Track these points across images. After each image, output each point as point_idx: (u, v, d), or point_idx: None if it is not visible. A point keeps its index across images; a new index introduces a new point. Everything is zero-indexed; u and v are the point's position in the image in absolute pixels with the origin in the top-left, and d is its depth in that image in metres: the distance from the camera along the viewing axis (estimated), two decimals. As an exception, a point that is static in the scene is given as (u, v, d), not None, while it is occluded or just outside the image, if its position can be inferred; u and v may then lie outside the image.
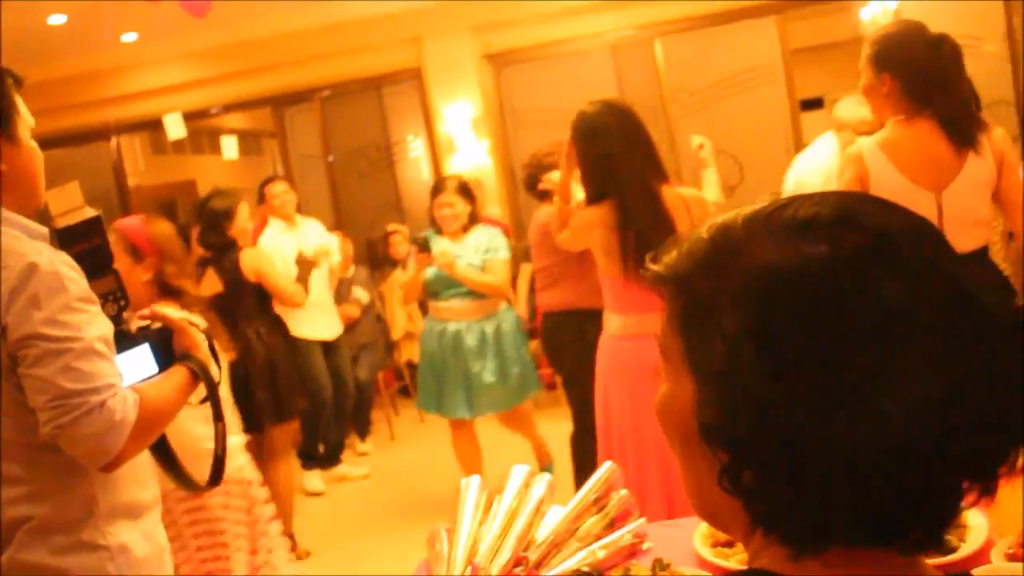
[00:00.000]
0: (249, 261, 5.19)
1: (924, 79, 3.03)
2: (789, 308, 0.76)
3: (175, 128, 8.24)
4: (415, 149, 9.90)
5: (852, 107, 4.71)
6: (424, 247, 5.08)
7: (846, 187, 3.10)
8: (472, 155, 8.91)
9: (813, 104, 9.95)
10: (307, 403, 5.88)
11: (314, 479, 6.53)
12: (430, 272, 5.16)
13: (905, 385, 0.73)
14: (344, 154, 9.85)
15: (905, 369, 0.74)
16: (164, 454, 2.15)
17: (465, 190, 5.22)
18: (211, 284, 5.11)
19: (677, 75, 9.20)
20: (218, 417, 2.11)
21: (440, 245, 5.09)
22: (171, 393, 2.01)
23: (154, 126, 8.90)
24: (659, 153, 3.59)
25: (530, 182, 5.00)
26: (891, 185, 3.00)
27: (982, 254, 3.11)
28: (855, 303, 0.74)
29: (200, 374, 2.07)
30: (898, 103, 3.08)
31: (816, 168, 4.84)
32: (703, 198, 3.64)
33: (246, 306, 5.18)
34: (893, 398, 0.73)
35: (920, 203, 2.96)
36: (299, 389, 5.58)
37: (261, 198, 6.42)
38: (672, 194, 3.51)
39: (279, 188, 6.40)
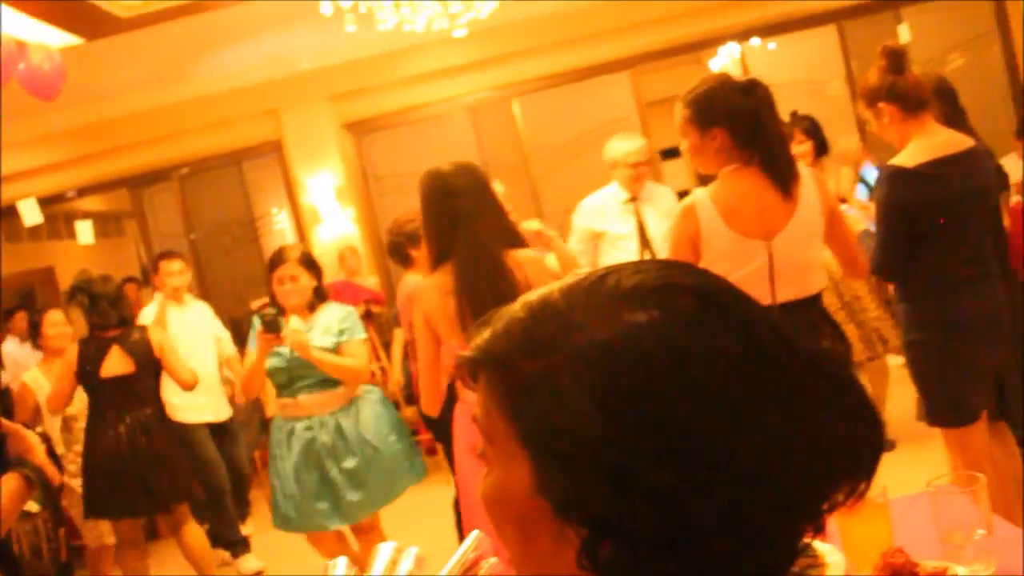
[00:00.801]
0: (156, 339, 5.15)
1: (747, 126, 3.06)
2: (633, 374, 0.75)
3: (30, 214, 7.95)
4: (280, 222, 9.78)
5: (613, 145, 4.90)
6: (271, 326, 4.19)
7: (677, 239, 3.12)
8: (338, 225, 8.84)
9: (671, 153, 10.20)
10: (203, 489, 5.77)
11: (249, 560, 6.29)
12: (275, 359, 4.30)
13: (756, 433, 0.74)
14: (207, 231, 9.67)
15: (753, 417, 0.75)
16: (6, 559, 2.03)
17: (309, 262, 4.42)
18: (118, 364, 5.06)
19: (537, 133, 9.33)
20: (58, 522, 2.00)
21: (293, 323, 4.27)
22: (3, 501, 1.90)
23: (8, 213, 8.60)
24: (507, 216, 3.47)
25: (393, 249, 4.92)
26: (722, 238, 3.03)
27: (815, 300, 3.17)
28: (696, 360, 0.76)
29: (35, 480, 1.96)
30: (728, 155, 3.10)
31: (595, 207, 4.99)
32: (540, 260, 3.50)
33: (150, 386, 5.14)
34: (747, 448, 0.74)
35: (752, 253, 3.02)
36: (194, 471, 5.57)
37: (153, 271, 6.24)
38: (521, 258, 3.36)
39: (176, 266, 6.21)
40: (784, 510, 0.77)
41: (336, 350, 4.29)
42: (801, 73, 9.74)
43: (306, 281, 4.36)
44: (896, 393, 5.36)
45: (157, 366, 5.16)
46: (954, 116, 3.68)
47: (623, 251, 4.93)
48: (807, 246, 3.08)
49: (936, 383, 3.38)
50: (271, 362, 4.30)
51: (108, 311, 5.14)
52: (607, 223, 4.96)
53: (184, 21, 6.56)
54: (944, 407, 3.39)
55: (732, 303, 0.82)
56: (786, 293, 3.03)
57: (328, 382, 4.33)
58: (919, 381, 3.43)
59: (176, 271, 6.21)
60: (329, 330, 4.33)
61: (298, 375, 4.32)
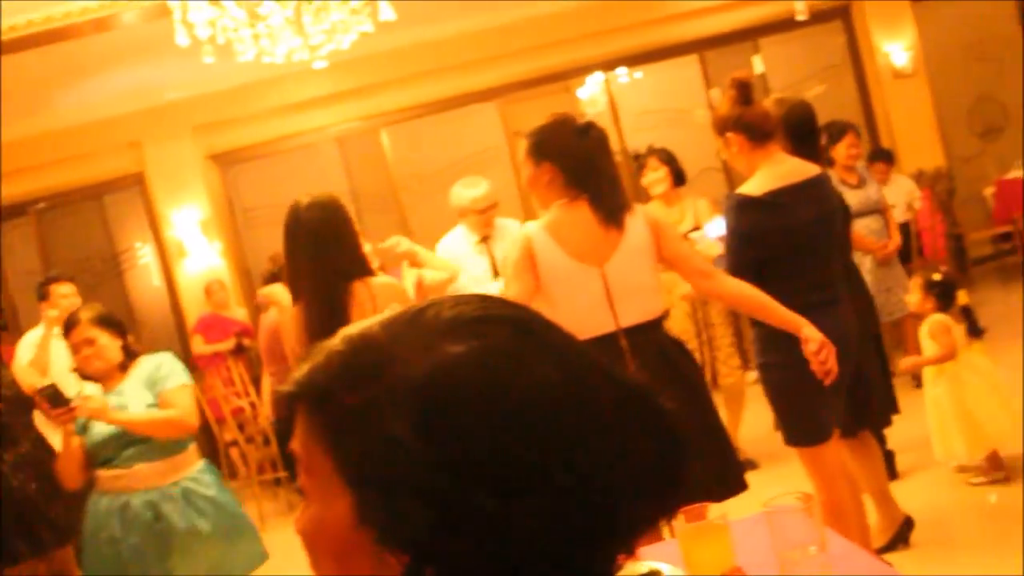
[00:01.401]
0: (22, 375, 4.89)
1: (577, 164, 3.23)
2: (452, 403, 0.77)
3: None
4: (144, 256, 9.55)
5: (459, 193, 4.91)
6: (55, 400, 3.61)
7: (516, 267, 3.25)
8: (204, 258, 8.67)
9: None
10: None
11: None
12: (93, 434, 3.71)
13: (575, 456, 0.77)
14: (67, 267, 9.32)
15: (571, 443, 0.77)
16: None
17: (107, 321, 3.84)
18: None
19: (405, 163, 9.33)
20: None
21: (87, 389, 3.74)
22: None
23: None
24: (360, 248, 3.50)
25: (270, 280, 4.84)
26: (558, 263, 3.18)
27: (657, 324, 3.27)
28: (513, 389, 0.78)
29: None
30: (559, 189, 3.26)
31: (450, 251, 4.97)
32: (396, 287, 3.55)
33: (24, 422, 4.87)
34: (564, 473, 0.76)
35: (587, 277, 3.17)
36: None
37: (43, 296, 5.88)
38: (375, 287, 3.40)
39: (66, 289, 5.78)
40: (601, 534, 0.79)
41: (158, 403, 3.75)
42: (667, 101, 10.00)
43: (107, 341, 3.82)
44: (757, 413, 5.50)
45: (31, 402, 4.92)
46: (804, 144, 3.80)
47: (482, 291, 4.92)
48: (638, 270, 3.20)
49: (789, 404, 3.48)
50: (91, 437, 3.72)
51: None
52: (463, 265, 4.95)
53: (41, 51, 6.38)
54: (798, 427, 3.49)
55: (548, 334, 0.84)
56: (628, 318, 3.16)
57: (161, 448, 3.74)
58: (773, 402, 3.53)
59: (68, 293, 5.80)
60: (145, 384, 3.80)
61: (126, 443, 3.72)
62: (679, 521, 1.69)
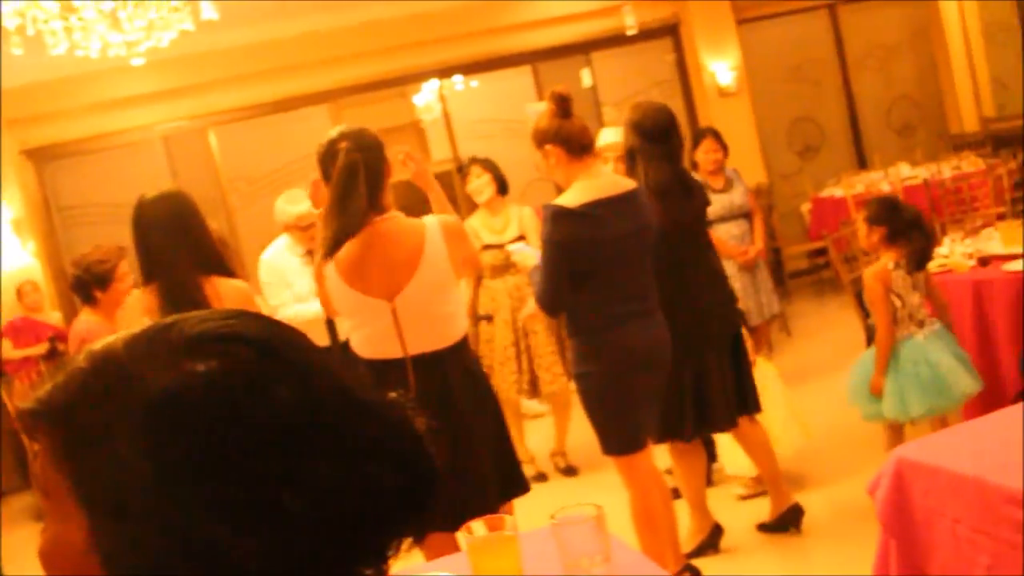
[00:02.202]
0: None
1: (345, 181, 3.05)
2: (186, 426, 0.75)
3: None
4: (-50, 255, 9.04)
5: (282, 208, 4.83)
6: None
7: (321, 299, 3.26)
8: (16, 258, 8.27)
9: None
10: None
11: None
12: None
13: (307, 482, 0.76)
14: None
15: (305, 467, 0.76)
16: None
17: None
18: None
19: (234, 164, 9.14)
20: None
21: None
22: None
23: None
24: (213, 244, 3.45)
25: (77, 285, 4.52)
26: (345, 298, 3.12)
27: (453, 350, 3.17)
28: (251, 411, 0.76)
29: None
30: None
31: (275, 267, 4.87)
32: (241, 290, 3.47)
33: None
34: (300, 497, 0.75)
35: (375, 311, 3.08)
36: None
37: None
38: (222, 288, 3.34)
39: None
40: (340, 556, 0.78)
41: None
42: (500, 111, 10.07)
43: None
44: (580, 422, 5.59)
45: None
46: (659, 145, 3.90)
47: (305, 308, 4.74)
48: (433, 301, 3.12)
49: (604, 414, 3.54)
50: None
51: None
52: (291, 281, 4.80)
53: None
54: (613, 437, 3.56)
55: (294, 354, 0.82)
56: (417, 346, 3.10)
57: None
58: (589, 412, 3.58)
59: None
60: None
61: None
62: (467, 533, 1.70)
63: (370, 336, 3.16)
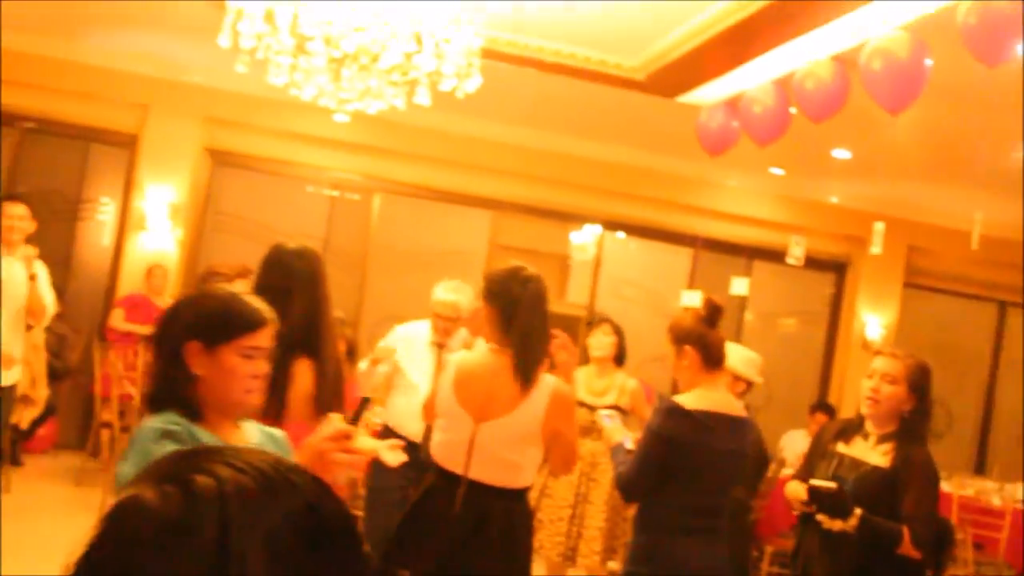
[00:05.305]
0: None
1: (508, 310, 3.32)
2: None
3: None
4: (105, 213, 9.36)
5: (435, 290, 4.91)
6: None
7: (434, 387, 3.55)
8: (160, 240, 8.61)
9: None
10: None
11: None
12: None
13: None
14: (29, 191, 9.19)
15: None
16: None
17: None
18: None
19: (386, 232, 9.33)
20: None
21: None
22: None
23: None
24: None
25: (198, 284, 4.69)
26: (445, 398, 3.39)
27: (511, 494, 3.32)
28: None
29: None
30: (492, 331, 3.36)
31: (405, 338, 4.97)
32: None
33: None
34: None
35: (460, 423, 3.32)
36: None
37: None
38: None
39: (20, 210, 5.46)
40: None
41: None
42: (649, 280, 10.06)
43: None
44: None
45: None
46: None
47: (409, 396, 4.75)
48: (507, 446, 3.29)
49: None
50: None
51: None
52: (409, 359, 4.85)
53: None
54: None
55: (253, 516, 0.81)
56: (479, 473, 3.29)
57: None
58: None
59: (24, 216, 5.47)
60: None
61: None
62: None
63: (446, 443, 3.37)
